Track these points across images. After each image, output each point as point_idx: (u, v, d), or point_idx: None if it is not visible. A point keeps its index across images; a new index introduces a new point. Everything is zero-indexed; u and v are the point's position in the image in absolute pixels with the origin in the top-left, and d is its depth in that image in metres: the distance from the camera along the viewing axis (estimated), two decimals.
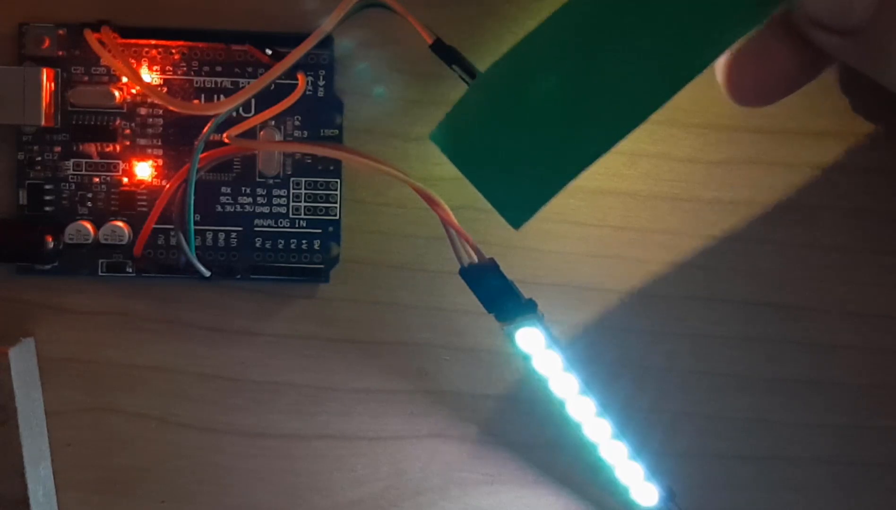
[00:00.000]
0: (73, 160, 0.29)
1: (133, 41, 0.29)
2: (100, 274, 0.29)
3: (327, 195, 0.29)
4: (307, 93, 0.29)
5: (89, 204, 0.29)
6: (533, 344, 0.27)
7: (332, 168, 0.29)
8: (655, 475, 0.29)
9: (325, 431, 0.31)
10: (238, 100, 0.27)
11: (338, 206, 0.30)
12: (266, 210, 0.29)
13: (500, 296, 0.27)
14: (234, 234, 0.29)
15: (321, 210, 0.29)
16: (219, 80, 0.29)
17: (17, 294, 0.30)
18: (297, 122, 0.29)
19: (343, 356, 0.30)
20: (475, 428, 0.31)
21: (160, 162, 0.29)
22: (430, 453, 0.31)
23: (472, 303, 0.27)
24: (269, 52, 0.28)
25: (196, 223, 0.29)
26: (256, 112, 0.29)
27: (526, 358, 0.28)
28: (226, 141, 0.28)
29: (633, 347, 0.31)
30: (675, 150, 0.30)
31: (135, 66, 0.28)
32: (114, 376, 0.30)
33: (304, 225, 0.30)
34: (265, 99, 0.28)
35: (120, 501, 0.30)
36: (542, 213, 0.30)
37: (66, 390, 0.30)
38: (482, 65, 0.27)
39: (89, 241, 0.29)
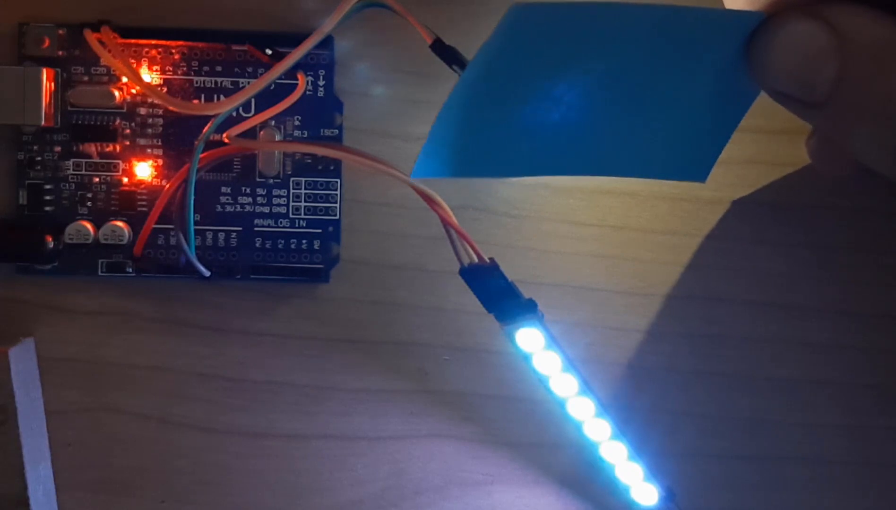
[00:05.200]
0: (73, 160, 0.29)
1: (133, 41, 0.29)
2: (100, 274, 0.29)
3: (327, 195, 0.29)
4: (307, 93, 0.29)
5: (89, 204, 0.29)
6: (533, 344, 0.27)
7: (332, 168, 0.29)
8: (655, 475, 0.29)
9: (325, 431, 0.31)
10: (238, 100, 0.27)
11: (338, 205, 0.30)
12: (266, 210, 0.29)
13: (500, 296, 0.27)
14: (234, 234, 0.29)
15: (321, 210, 0.29)
16: (219, 80, 0.29)
17: (17, 294, 0.30)
18: (297, 122, 0.29)
19: (343, 356, 0.30)
20: (475, 428, 0.31)
21: (160, 162, 0.29)
22: (430, 453, 0.31)
23: (473, 303, 0.27)
24: (269, 52, 0.28)
25: (196, 223, 0.29)
26: (256, 112, 0.29)
27: (526, 358, 0.28)
28: (226, 141, 0.28)
29: (633, 347, 0.31)
30: None
31: (135, 66, 0.28)
32: (114, 376, 0.30)
33: (304, 225, 0.30)
34: (265, 99, 0.28)
35: (120, 501, 0.30)
36: (543, 212, 0.30)
37: (66, 390, 0.30)
38: None
39: (89, 241, 0.29)
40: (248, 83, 0.28)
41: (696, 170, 0.27)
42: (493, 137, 0.24)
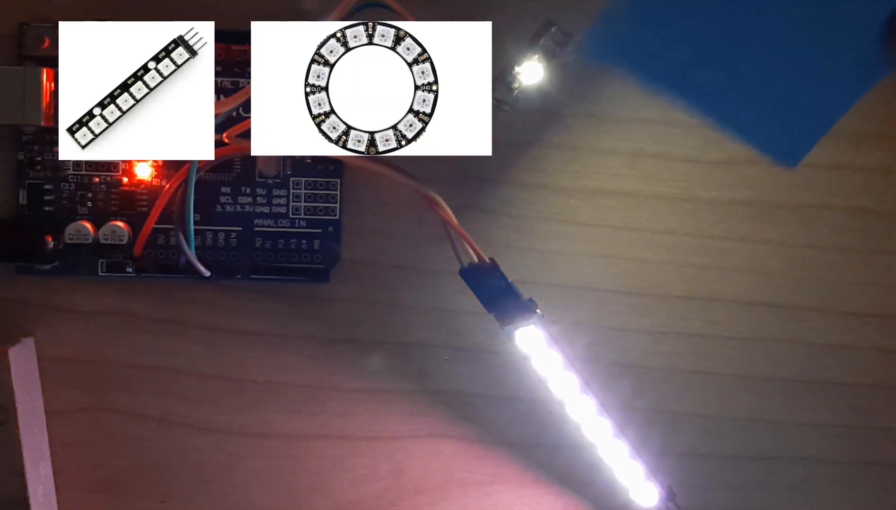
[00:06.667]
0: (73, 160, 0.29)
1: None
2: (100, 274, 0.29)
3: (327, 195, 0.29)
4: None
5: (89, 204, 0.29)
6: (533, 344, 0.27)
7: (332, 168, 0.29)
8: (655, 475, 0.29)
9: (325, 431, 0.31)
10: (238, 100, 0.27)
11: (338, 206, 0.30)
12: (266, 210, 0.29)
13: (500, 295, 0.27)
14: (234, 234, 0.29)
15: (321, 210, 0.29)
16: (219, 80, 0.29)
17: (17, 294, 0.30)
18: None
19: (343, 356, 0.30)
20: (475, 428, 0.31)
21: (160, 162, 0.29)
22: (430, 453, 0.31)
23: (472, 303, 0.27)
24: None
25: (196, 223, 0.29)
26: None
27: (526, 358, 0.28)
28: (226, 141, 0.28)
29: (633, 347, 0.31)
30: (675, 150, 0.30)
31: None
32: (114, 376, 0.30)
33: (304, 225, 0.29)
34: None
35: (120, 501, 0.30)
36: (543, 212, 0.30)
37: (66, 390, 0.30)
38: None
39: (89, 241, 0.29)
40: (248, 83, 0.28)
41: (789, 154, 0.26)
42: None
